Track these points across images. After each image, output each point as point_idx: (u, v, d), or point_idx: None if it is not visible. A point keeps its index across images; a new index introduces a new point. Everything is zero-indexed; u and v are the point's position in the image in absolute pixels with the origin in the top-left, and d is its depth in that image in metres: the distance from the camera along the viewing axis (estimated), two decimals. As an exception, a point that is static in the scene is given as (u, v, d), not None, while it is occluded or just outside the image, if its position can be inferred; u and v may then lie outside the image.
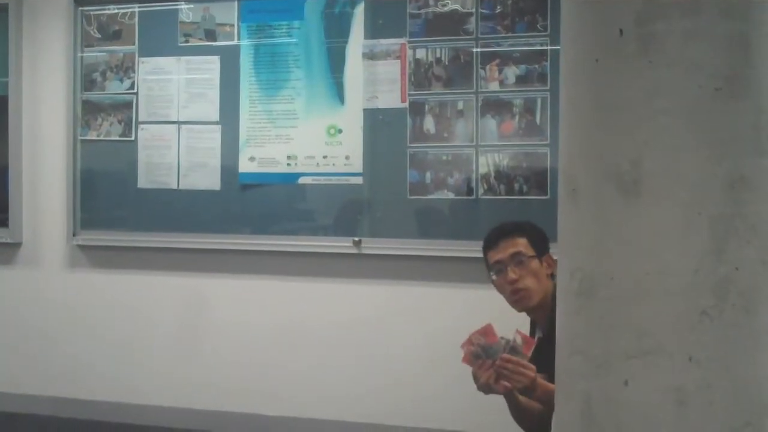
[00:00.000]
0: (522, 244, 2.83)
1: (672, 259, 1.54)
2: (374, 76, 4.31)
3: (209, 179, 4.56)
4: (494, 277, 2.86)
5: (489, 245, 2.90)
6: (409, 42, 4.28)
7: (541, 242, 2.87)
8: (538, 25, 4.10)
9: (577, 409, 1.65)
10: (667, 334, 1.55)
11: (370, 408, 4.38)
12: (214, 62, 4.56)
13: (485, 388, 2.61)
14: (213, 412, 4.60)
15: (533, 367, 2.58)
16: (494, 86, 4.16)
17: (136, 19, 4.67)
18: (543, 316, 2.79)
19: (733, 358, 1.56)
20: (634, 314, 1.57)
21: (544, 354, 2.42)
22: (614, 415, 1.59)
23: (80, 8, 4.72)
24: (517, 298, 2.83)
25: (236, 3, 4.51)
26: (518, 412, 2.75)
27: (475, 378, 2.62)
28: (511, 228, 2.89)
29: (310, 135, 4.40)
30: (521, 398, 2.68)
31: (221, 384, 4.59)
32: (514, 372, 2.57)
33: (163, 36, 4.63)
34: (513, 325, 2.83)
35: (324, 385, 4.45)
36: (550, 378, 2.22)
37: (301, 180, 4.43)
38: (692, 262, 1.53)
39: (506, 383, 2.58)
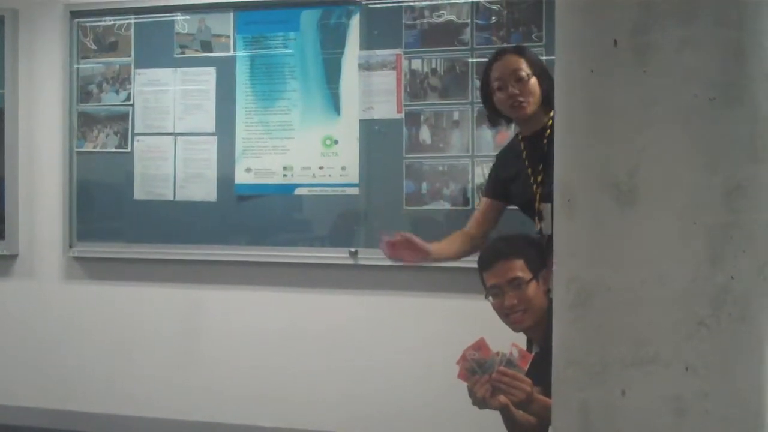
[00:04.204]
0: (519, 268, 2.81)
1: (668, 268, 1.54)
2: (370, 86, 4.32)
3: (205, 190, 4.56)
4: (491, 300, 2.86)
5: (484, 266, 2.89)
6: (405, 53, 4.28)
7: (537, 259, 2.85)
8: (533, 36, 4.10)
9: (574, 418, 1.65)
10: (664, 343, 1.55)
11: (367, 418, 4.37)
12: (210, 73, 4.56)
13: (481, 404, 2.60)
14: (210, 424, 4.58)
15: (529, 380, 2.57)
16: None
17: (132, 30, 4.67)
18: (539, 332, 2.79)
19: (731, 366, 1.56)
20: (631, 323, 1.57)
21: (540, 368, 2.42)
22: (612, 424, 1.59)
23: (76, 20, 4.73)
24: (514, 321, 2.83)
25: (232, 14, 4.52)
26: (513, 426, 2.74)
27: (471, 393, 2.61)
28: (506, 249, 2.87)
29: (306, 146, 4.40)
30: (517, 412, 2.68)
31: (218, 395, 4.58)
32: (510, 386, 2.56)
33: (159, 47, 4.63)
34: (508, 335, 2.84)
35: (321, 396, 4.44)
36: (546, 391, 2.22)
37: (298, 191, 4.42)
38: (689, 271, 1.54)
39: (502, 398, 2.57)
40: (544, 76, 3.09)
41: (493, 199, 3.35)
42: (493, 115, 3.24)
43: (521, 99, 3.04)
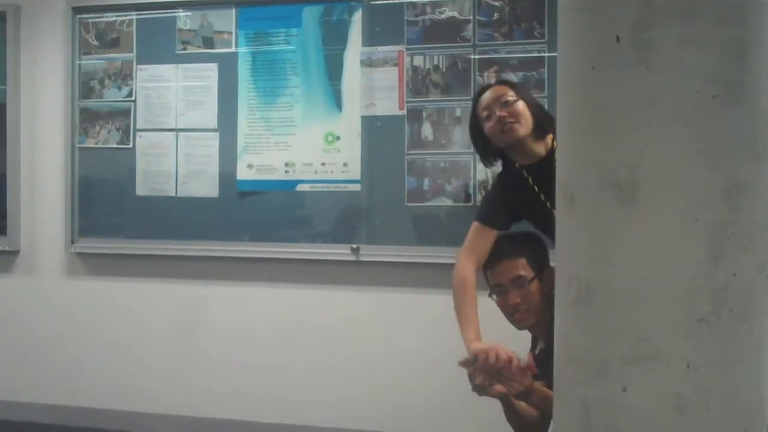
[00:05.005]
0: (522, 266, 2.81)
1: (669, 265, 1.54)
2: (372, 83, 4.32)
3: (207, 186, 4.56)
4: (495, 298, 2.86)
5: (488, 265, 2.90)
6: (407, 49, 4.28)
7: (540, 258, 2.85)
8: (535, 32, 4.10)
9: (575, 415, 1.65)
10: (665, 340, 1.55)
11: (368, 415, 4.37)
12: (212, 70, 4.56)
13: (479, 390, 2.62)
14: (211, 420, 4.59)
15: (528, 373, 2.59)
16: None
17: (134, 26, 4.67)
18: (543, 330, 2.80)
19: (731, 364, 1.56)
20: (632, 321, 1.57)
21: (545, 365, 2.43)
22: (612, 421, 1.59)
23: (78, 16, 4.72)
24: (517, 319, 2.84)
25: (234, 10, 4.52)
26: (514, 416, 2.75)
27: (471, 379, 2.62)
28: (510, 248, 2.87)
29: (308, 142, 4.40)
30: (518, 403, 2.69)
31: (220, 391, 4.58)
32: (509, 377, 2.58)
33: (161, 43, 4.63)
34: (511, 331, 2.85)
35: (322, 392, 4.44)
36: (551, 387, 2.22)
37: (299, 187, 4.42)
38: (690, 268, 1.54)
39: (499, 387, 2.58)
40: (533, 103, 3.02)
41: (498, 230, 3.02)
42: (485, 154, 3.11)
43: (510, 120, 2.91)
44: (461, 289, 2.94)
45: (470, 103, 4.12)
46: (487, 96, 3.01)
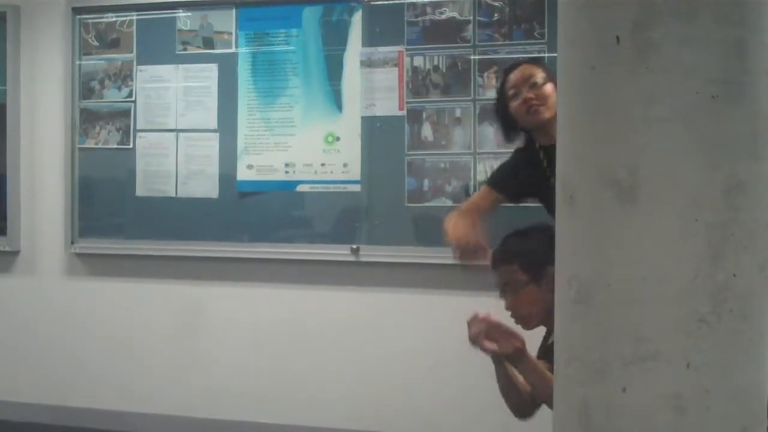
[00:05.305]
0: (516, 271, 2.82)
1: (669, 265, 1.54)
2: (372, 83, 4.32)
3: (207, 187, 4.56)
4: (501, 299, 2.88)
5: (493, 266, 2.91)
6: (407, 49, 4.28)
7: (541, 259, 2.85)
8: (535, 33, 4.11)
9: (575, 415, 1.65)
10: (665, 340, 1.55)
11: (368, 415, 4.37)
12: (212, 70, 4.56)
13: (474, 340, 2.63)
14: (211, 420, 4.59)
15: (522, 338, 2.60)
16: (492, 93, 4.14)
17: (134, 27, 4.68)
18: (551, 328, 2.80)
19: (731, 364, 1.56)
20: (632, 320, 1.57)
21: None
22: (612, 421, 1.59)
23: (78, 16, 4.73)
24: (517, 323, 2.85)
25: (234, 11, 4.52)
26: (506, 384, 2.75)
27: (469, 327, 2.64)
28: (514, 248, 2.87)
29: (308, 143, 4.41)
30: (513, 374, 2.70)
31: (219, 392, 4.58)
32: (502, 336, 2.60)
33: (161, 44, 4.64)
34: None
35: (322, 393, 4.45)
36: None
37: (299, 188, 4.43)
38: (690, 268, 1.53)
39: (489, 344, 2.59)
40: None
41: (505, 195, 3.23)
42: (508, 129, 3.19)
43: (536, 102, 2.99)
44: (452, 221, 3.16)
45: (470, 103, 4.17)
46: (516, 75, 3.08)
